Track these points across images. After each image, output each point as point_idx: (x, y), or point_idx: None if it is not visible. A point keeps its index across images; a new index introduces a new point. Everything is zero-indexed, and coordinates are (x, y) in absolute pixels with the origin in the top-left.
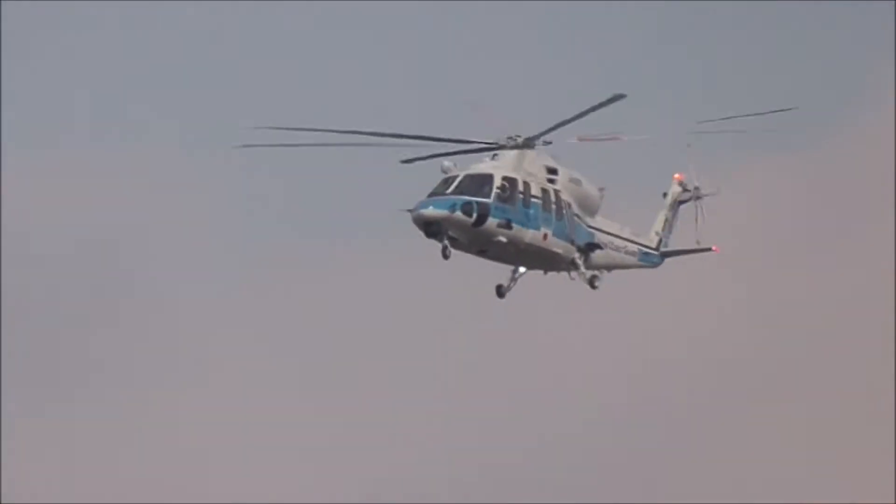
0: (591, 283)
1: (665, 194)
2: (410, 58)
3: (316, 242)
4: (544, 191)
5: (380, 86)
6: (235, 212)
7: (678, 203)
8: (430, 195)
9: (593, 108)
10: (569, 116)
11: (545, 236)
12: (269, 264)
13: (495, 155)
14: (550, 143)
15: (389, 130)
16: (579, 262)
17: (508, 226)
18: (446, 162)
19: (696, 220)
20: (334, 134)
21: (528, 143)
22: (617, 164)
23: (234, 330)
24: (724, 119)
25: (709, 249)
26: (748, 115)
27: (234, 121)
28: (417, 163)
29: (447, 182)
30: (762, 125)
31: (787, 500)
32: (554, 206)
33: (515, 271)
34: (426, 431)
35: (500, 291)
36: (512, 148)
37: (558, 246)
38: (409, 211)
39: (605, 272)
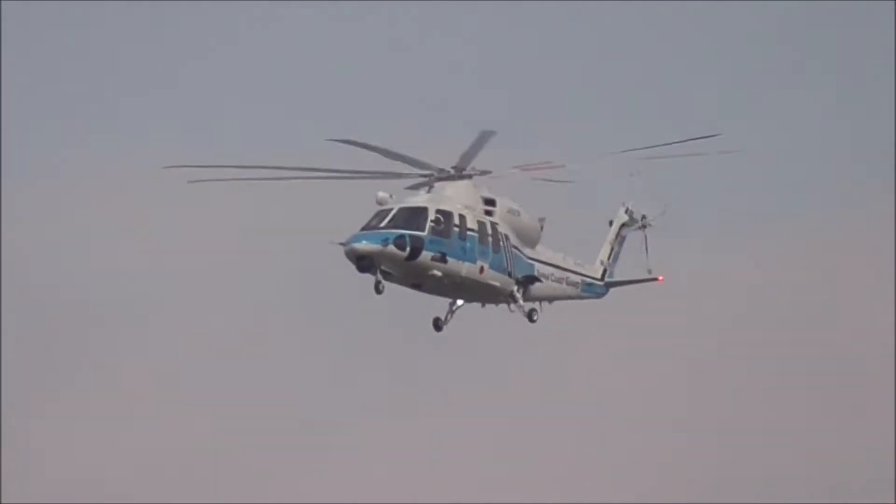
0: (530, 316)
1: (611, 222)
2: (349, 84)
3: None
4: (481, 223)
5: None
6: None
7: (624, 232)
8: (364, 228)
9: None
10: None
11: (482, 269)
12: (197, 300)
13: (431, 187)
14: (489, 172)
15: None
16: (518, 294)
17: (443, 259)
18: (381, 193)
19: (645, 249)
20: (267, 170)
21: (464, 174)
22: (560, 193)
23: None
24: (648, 147)
25: (654, 279)
26: (672, 143)
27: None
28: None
29: (381, 215)
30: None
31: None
32: (491, 239)
33: (453, 304)
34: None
35: (438, 325)
36: (448, 179)
37: (496, 279)
38: (342, 244)
39: (547, 304)
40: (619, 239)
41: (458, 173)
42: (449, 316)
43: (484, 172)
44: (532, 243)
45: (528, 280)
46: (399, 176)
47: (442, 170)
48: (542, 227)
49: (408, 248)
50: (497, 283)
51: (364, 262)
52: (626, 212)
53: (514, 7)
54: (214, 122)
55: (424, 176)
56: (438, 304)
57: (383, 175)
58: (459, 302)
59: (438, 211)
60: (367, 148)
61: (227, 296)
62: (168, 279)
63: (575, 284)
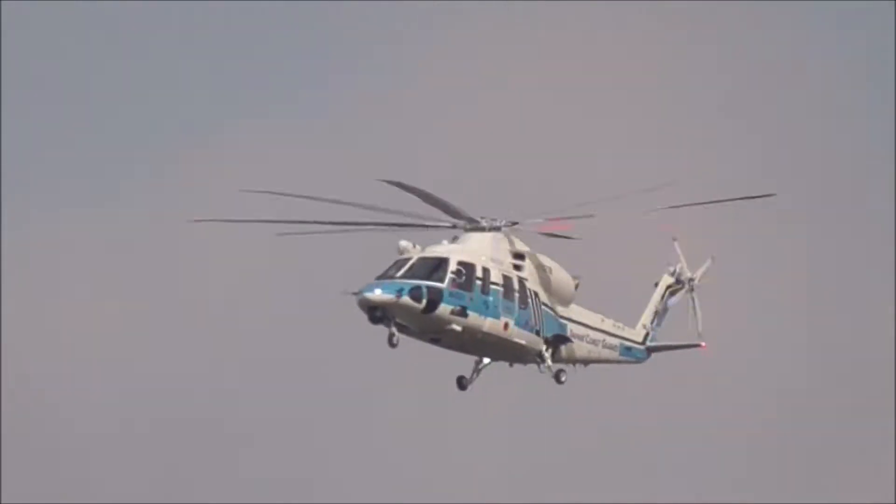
0: (558, 377)
1: (656, 284)
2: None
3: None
4: (507, 277)
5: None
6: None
7: (670, 294)
8: (379, 277)
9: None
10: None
11: (506, 326)
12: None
13: (456, 237)
14: (517, 223)
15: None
16: (546, 354)
17: (463, 313)
18: (403, 242)
19: (694, 312)
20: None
21: (494, 227)
22: (602, 252)
23: None
24: (697, 203)
25: (697, 346)
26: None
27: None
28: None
29: (399, 264)
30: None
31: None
32: (517, 294)
33: (479, 362)
34: None
35: (462, 384)
36: (476, 230)
37: (521, 336)
38: (354, 294)
39: (582, 366)
40: (664, 302)
41: (489, 226)
42: (474, 375)
43: (513, 224)
44: (565, 302)
45: (558, 339)
46: (427, 227)
47: (472, 220)
48: (577, 286)
49: (424, 300)
50: (523, 342)
51: (377, 313)
52: (673, 273)
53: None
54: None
55: (453, 226)
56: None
57: (410, 226)
58: (486, 360)
59: (460, 262)
60: (409, 190)
61: (227, 350)
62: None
63: (613, 347)
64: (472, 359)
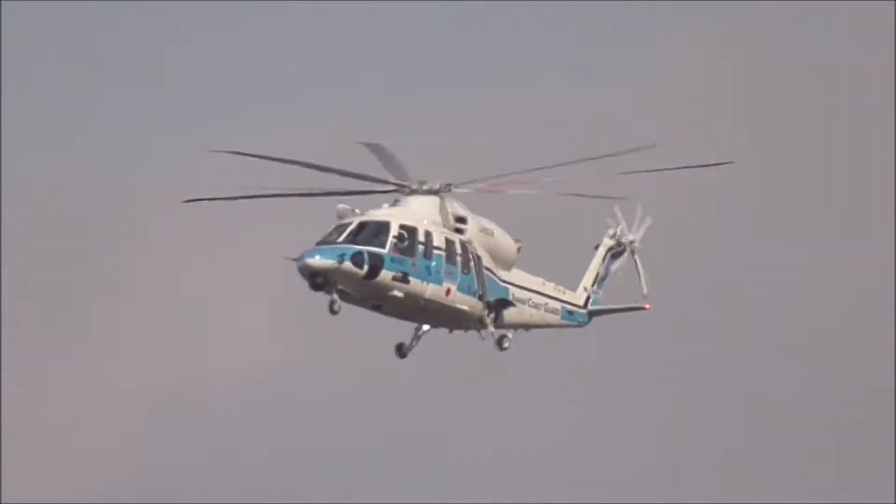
0: (500, 343)
1: (596, 247)
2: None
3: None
4: (449, 241)
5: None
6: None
7: (612, 258)
8: (319, 243)
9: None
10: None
11: (448, 291)
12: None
13: (396, 201)
14: (451, 184)
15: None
16: (488, 320)
17: (405, 279)
18: (342, 206)
19: (638, 274)
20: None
21: (436, 190)
22: (540, 214)
23: None
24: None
25: (641, 308)
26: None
27: None
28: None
29: (339, 229)
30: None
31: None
32: (460, 258)
33: (418, 329)
34: None
35: (402, 351)
36: (416, 193)
37: (464, 302)
38: (295, 260)
39: (523, 331)
40: (605, 265)
41: (429, 188)
42: (414, 342)
43: (447, 186)
44: (507, 265)
45: (500, 304)
46: (365, 193)
47: (409, 185)
48: (519, 249)
49: (366, 266)
50: (465, 307)
51: (318, 280)
52: (613, 236)
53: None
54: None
55: (394, 187)
56: (404, 329)
57: (348, 175)
58: (425, 327)
59: (402, 226)
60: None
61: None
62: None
63: (555, 311)
64: (411, 326)
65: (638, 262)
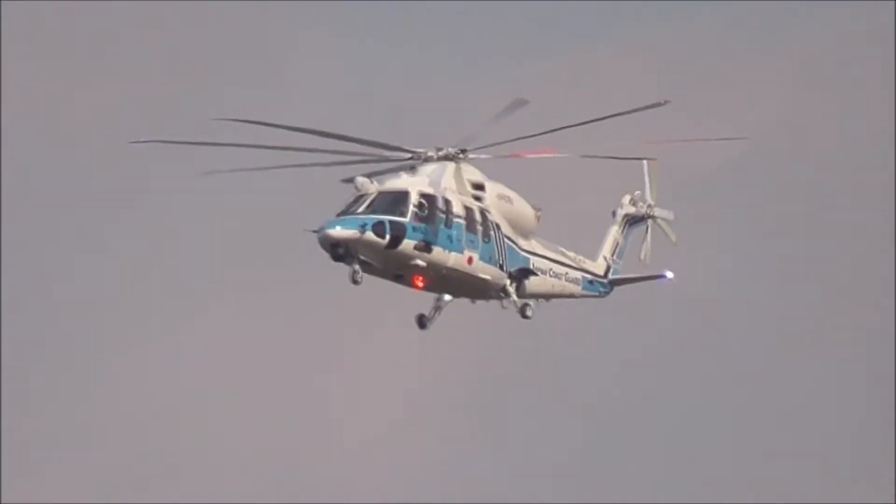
0: (523, 312)
1: (614, 213)
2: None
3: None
4: (468, 209)
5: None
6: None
7: (629, 226)
8: (339, 214)
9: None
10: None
11: (470, 260)
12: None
13: (413, 168)
14: (466, 151)
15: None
16: (510, 289)
17: (427, 248)
18: (360, 178)
19: (645, 238)
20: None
21: (452, 156)
22: (561, 180)
23: None
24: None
25: (662, 276)
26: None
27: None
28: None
29: (359, 199)
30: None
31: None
32: (480, 227)
33: (439, 299)
34: None
35: (423, 322)
36: (431, 160)
37: (486, 271)
38: (315, 231)
39: (544, 301)
40: (625, 233)
41: (446, 155)
42: (435, 313)
43: (462, 151)
44: (527, 234)
45: (522, 273)
46: (381, 160)
47: (424, 152)
48: (538, 217)
49: (388, 236)
50: (487, 276)
51: (339, 251)
52: (631, 201)
53: None
54: None
55: (408, 159)
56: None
57: (363, 160)
58: (447, 297)
59: (421, 194)
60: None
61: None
62: None
63: (576, 281)
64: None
65: (648, 229)
